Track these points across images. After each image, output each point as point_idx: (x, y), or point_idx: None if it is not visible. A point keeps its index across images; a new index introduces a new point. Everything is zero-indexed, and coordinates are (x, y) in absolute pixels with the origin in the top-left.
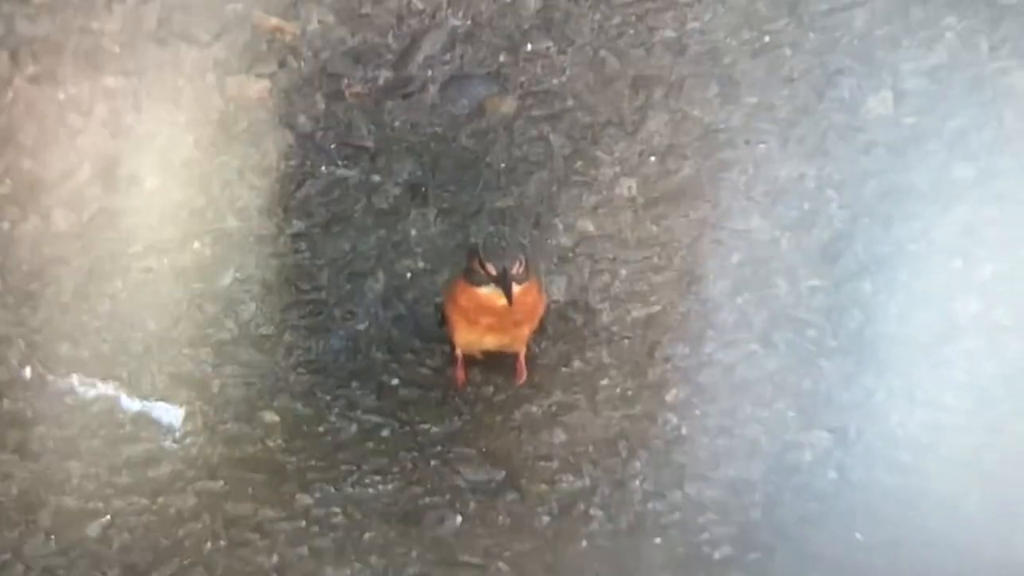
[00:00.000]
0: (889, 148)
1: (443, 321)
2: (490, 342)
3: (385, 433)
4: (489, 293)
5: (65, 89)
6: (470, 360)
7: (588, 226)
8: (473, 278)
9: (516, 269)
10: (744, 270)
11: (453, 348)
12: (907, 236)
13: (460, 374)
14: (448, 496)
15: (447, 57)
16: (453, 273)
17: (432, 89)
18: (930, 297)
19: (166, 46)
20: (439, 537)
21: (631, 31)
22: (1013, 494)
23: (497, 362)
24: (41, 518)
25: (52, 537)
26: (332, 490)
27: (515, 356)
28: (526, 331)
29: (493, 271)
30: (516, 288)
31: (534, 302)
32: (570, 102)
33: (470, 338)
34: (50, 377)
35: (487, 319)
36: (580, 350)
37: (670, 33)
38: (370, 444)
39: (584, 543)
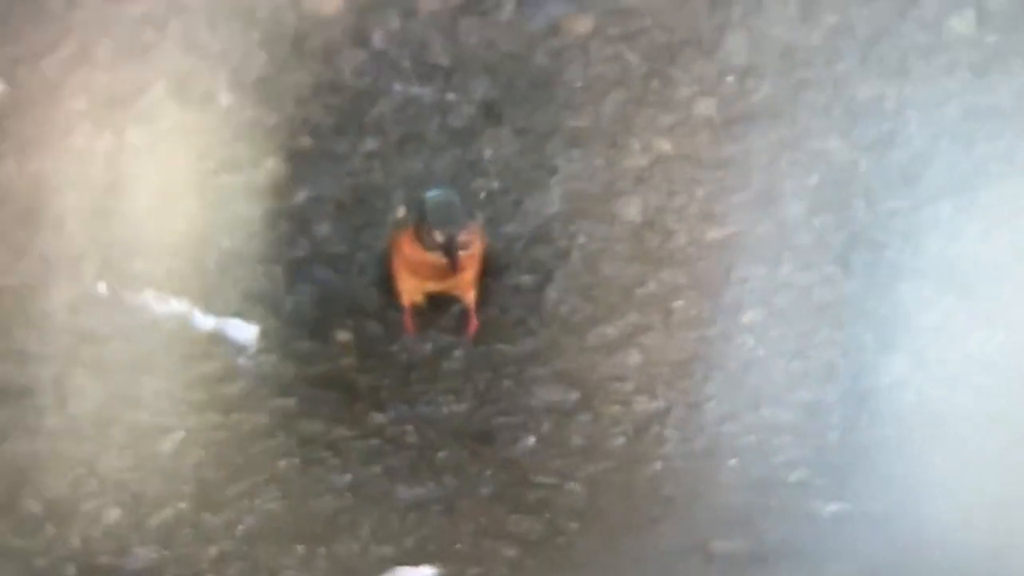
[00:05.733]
0: (971, 68)
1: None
2: (433, 287)
3: (458, 353)
4: (435, 257)
5: (139, 5)
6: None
7: (665, 146)
8: (421, 237)
9: (463, 236)
10: (822, 191)
11: (398, 295)
12: (989, 157)
13: (408, 322)
14: (522, 416)
15: None
16: (398, 224)
17: (508, 7)
18: (1011, 218)
19: None
20: (512, 457)
21: None
22: None
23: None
24: (115, 433)
25: (126, 452)
26: (405, 409)
27: (466, 305)
28: (469, 276)
29: (440, 239)
30: (462, 254)
31: (475, 253)
32: (647, 21)
33: (412, 285)
34: (124, 293)
35: (430, 272)
36: (655, 271)
37: None
38: (444, 364)
39: (658, 465)
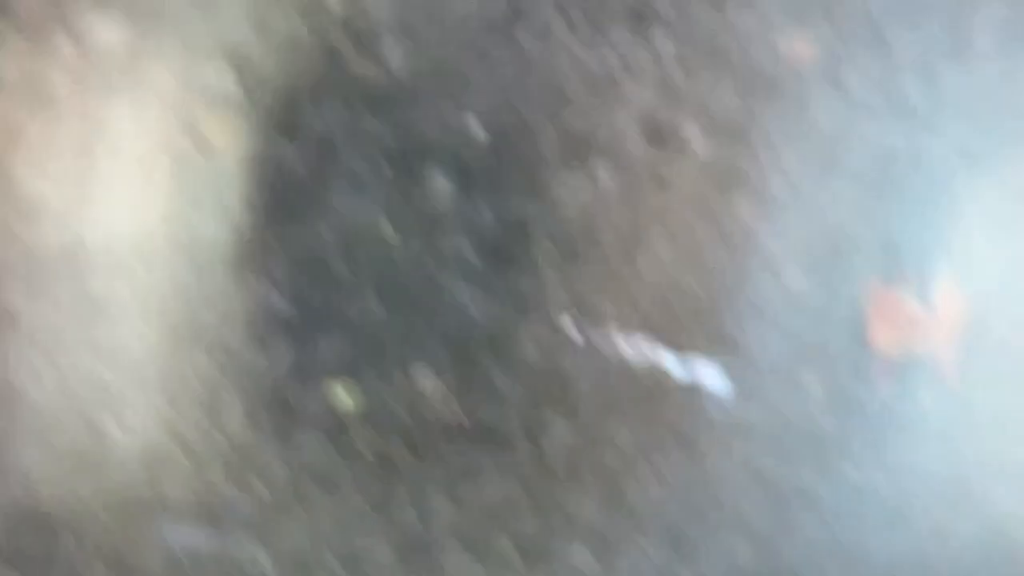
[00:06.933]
0: None
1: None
2: (910, 341)
3: (932, 404)
4: (909, 305)
5: (615, 49)
6: None
7: None
8: (894, 284)
9: (938, 284)
10: None
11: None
12: None
13: (882, 374)
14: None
15: (1004, 17)
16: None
17: (989, 50)
18: None
19: (720, 10)
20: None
21: None
22: None
23: None
24: (585, 478)
25: (595, 495)
26: (876, 459)
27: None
28: (946, 331)
29: (912, 285)
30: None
31: (953, 307)
32: None
33: (887, 336)
34: (594, 335)
35: (904, 322)
36: None
37: None
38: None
39: None
